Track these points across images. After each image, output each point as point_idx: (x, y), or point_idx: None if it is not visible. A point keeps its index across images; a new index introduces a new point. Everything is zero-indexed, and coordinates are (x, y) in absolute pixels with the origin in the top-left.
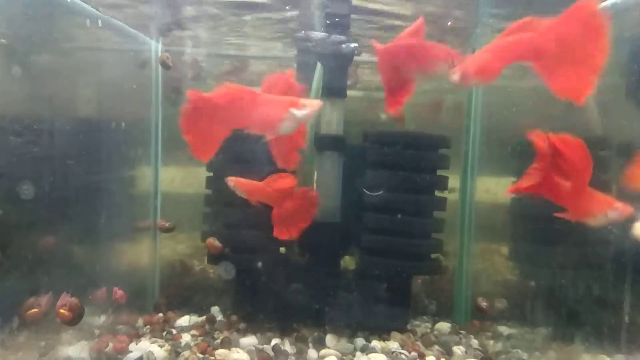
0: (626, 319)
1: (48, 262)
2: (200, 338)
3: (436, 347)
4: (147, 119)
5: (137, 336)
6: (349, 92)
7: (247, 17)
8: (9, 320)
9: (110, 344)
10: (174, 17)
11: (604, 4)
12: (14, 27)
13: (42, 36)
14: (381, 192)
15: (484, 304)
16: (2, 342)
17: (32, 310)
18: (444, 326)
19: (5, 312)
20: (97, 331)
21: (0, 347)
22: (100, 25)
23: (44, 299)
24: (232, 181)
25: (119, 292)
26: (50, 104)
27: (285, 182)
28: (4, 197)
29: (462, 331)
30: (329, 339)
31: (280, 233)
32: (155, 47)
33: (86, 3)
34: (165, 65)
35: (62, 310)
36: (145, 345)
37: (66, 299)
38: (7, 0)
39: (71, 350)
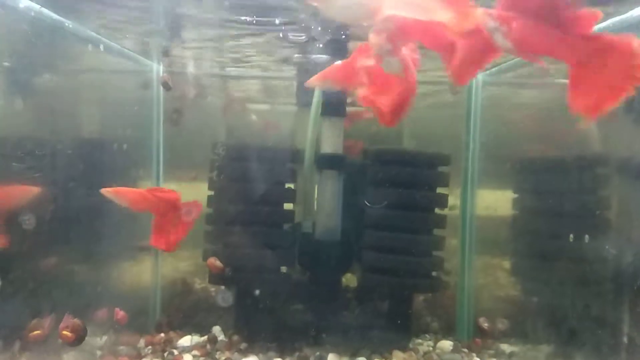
0: (625, 339)
1: (50, 283)
2: (202, 358)
3: None
4: (149, 139)
5: (138, 357)
6: (349, 109)
7: (247, 37)
8: (11, 344)
9: None
10: (172, 39)
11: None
12: (17, 51)
13: (44, 59)
14: (382, 205)
15: (485, 324)
16: None
17: (35, 332)
18: (446, 344)
19: (8, 335)
20: (98, 352)
21: None
22: (102, 49)
23: (47, 321)
24: (108, 192)
25: (120, 313)
26: (52, 127)
27: (171, 193)
28: (7, 220)
29: (464, 349)
30: (331, 358)
31: (158, 242)
32: (157, 68)
33: (87, 26)
34: (166, 86)
35: (64, 332)
36: None
37: (69, 320)
38: (11, 25)
39: None
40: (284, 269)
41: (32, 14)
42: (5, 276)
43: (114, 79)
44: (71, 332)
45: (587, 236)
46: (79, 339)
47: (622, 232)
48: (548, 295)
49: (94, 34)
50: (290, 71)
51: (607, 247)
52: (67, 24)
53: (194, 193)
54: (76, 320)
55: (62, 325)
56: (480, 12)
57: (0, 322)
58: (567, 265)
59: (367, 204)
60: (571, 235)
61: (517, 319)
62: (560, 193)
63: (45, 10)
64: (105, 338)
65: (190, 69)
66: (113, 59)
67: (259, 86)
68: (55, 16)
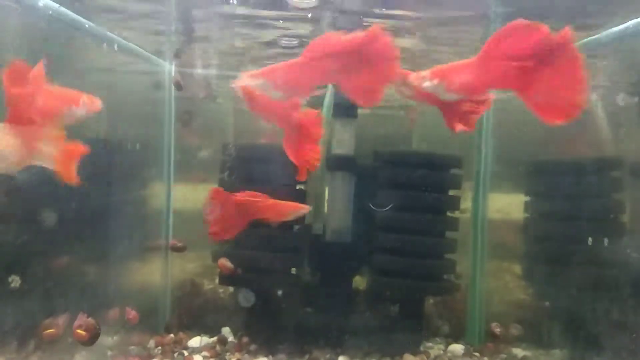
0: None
1: (63, 283)
2: (211, 359)
3: None
4: (160, 139)
5: (148, 357)
6: (360, 111)
7: (257, 34)
8: (25, 343)
9: None
10: (185, 38)
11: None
12: (33, 49)
13: (59, 58)
14: (392, 207)
15: (497, 330)
16: None
17: (50, 331)
18: (457, 348)
19: (22, 334)
20: (109, 352)
21: None
22: (116, 49)
23: (61, 319)
24: None
25: (132, 313)
26: (65, 125)
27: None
28: (22, 221)
29: (476, 353)
30: None
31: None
32: (169, 68)
33: (102, 26)
34: (178, 87)
35: (78, 331)
36: None
37: (83, 319)
38: (28, 22)
39: None
40: (294, 270)
41: (50, 12)
42: (23, 273)
43: (127, 79)
44: (85, 331)
45: (601, 240)
46: (92, 338)
47: (636, 236)
48: (560, 299)
49: (109, 32)
50: None
51: (628, 250)
52: (86, 25)
53: (203, 193)
54: (90, 319)
55: (76, 324)
56: (413, 76)
57: (16, 320)
58: (580, 268)
59: (377, 207)
60: (588, 239)
61: (530, 323)
62: (573, 196)
63: (63, 9)
64: (116, 338)
65: (202, 69)
66: (126, 58)
67: None
68: (72, 14)
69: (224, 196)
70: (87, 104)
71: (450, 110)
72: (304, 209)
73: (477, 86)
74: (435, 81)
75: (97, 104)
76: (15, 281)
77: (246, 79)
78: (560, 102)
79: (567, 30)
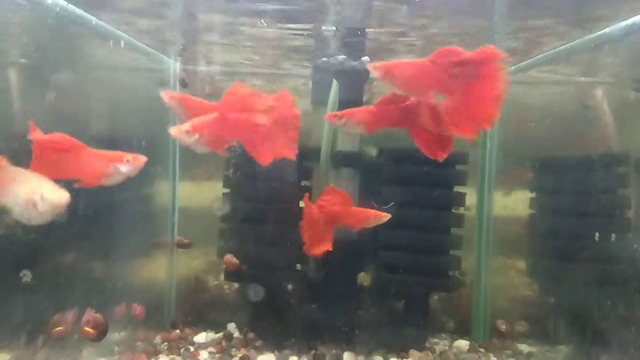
0: None
1: (70, 279)
2: (217, 355)
3: None
4: (166, 136)
5: (155, 353)
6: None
7: (261, 31)
8: (34, 339)
9: None
10: (190, 35)
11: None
12: (41, 46)
13: (66, 55)
14: (397, 204)
15: (503, 327)
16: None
17: (58, 329)
18: (462, 344)
19: (31, 330)
20: (116, 348)
21: None
22: (122, 46)
23: (69, 315)
24: None
25: (138, 308)
26: (73, 122)
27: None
28: None
29: (481, 349)
30: (347, 356)
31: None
32: (174, 65)
33: (108, 24)
34: (183, 84)
35: (86, 328)
36: None
37: (90, 314)
38: (36, 19)
39: None
40: (299, 266)
41: (57, 9)
42: (32, 269)
43: (133, 76)
44: (93, 328)
45: (606, 235)
46: (100, 334)
47: None
48: (566, 295)
49: (115, 30)
50: (305, 68)
51: (634, 246)
52: (92, 21)
53: (208, 190)
54: (98, 316)
55: (84, 320)
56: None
57: (25, 315)
58: (586, 264)
59: (382, 204)
60: (594, 235)
61: (535, 320)
62: (579, 192)
63: (71, 6)
64: (122, 334)
65: (206, 66)
66: (132, 55)
67: (274, 84)
68: (79, 11)
69: (314, 211)
70: (131, 163)
71: (422, 137)
72: (385, 217)
73: (375, 125)
74: (343, 120)
75: (141, 160)
76: (26, 276)
77: (180, 133)
78: (474, 116)
79: (489, 50)
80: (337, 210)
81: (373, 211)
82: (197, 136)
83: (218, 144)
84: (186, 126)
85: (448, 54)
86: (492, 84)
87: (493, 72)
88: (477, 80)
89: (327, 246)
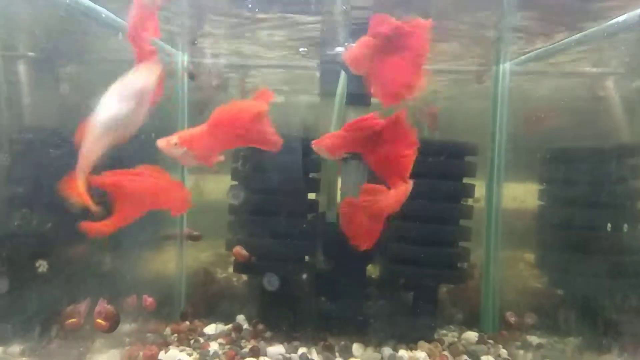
0: None
1: (83, 271)
2: (227, 346)
3: (464, 356)
4: (175, 128)
5: (165, 344)
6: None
7: (268, 24)
8: (48, 330)
9: (141, 353)
10: (198, 28)
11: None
12: (51, 39)
13: (75, 48)
14: None
15: (512, 319)
16: (34, 350)
17: (72, 320)
18: (471, 335)
19: (44, 321)
20: (127, 339)
21: (33, 356)
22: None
23: (82, 307)
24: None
25: (149, 300)
26: (84, 115)
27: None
28: (44, 208)
29: (490, 340)
30: (356, 347)
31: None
32: (182, 58)
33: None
34: (191, 76)
35: (99, 320)
36: (174, 353)
37: (103, 306)
38: (45, 10)
39: (102, 359)
40: (307, 258)
41: (67, 0)
42: (47, 260)
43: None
44: (105, 320)
45: (617, 227)
46: (112, 326)
47: None
48: (576, 287)
49: (124, 21)
50: (313, 60)
51: None
52: (102, 14)
53: (216, 182)
54: (110, 307)
55: (96, 310)
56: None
57: (39, 306)
58: (596, 256)
59: None
60: (604, 226)
61: (545, 312)
62: (590, 184)
63: None
64: (133, 325)
65: (214, 58)
66: None
67: (282, 76)
68: (89, 3)
69: (354, 204)
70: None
71: (378, 162)
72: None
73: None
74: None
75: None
76: (42, 266)
77: (167, 146)
78: (395, 84)
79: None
80: (381, 206)
81: (401, 188)
82: (184, 149)
83: (206, 157)
84: (174, 139)
85: (381, 22)
86: (415, 53)
87: (417, 42)
88: (403, 50)
89: (376, 236)
